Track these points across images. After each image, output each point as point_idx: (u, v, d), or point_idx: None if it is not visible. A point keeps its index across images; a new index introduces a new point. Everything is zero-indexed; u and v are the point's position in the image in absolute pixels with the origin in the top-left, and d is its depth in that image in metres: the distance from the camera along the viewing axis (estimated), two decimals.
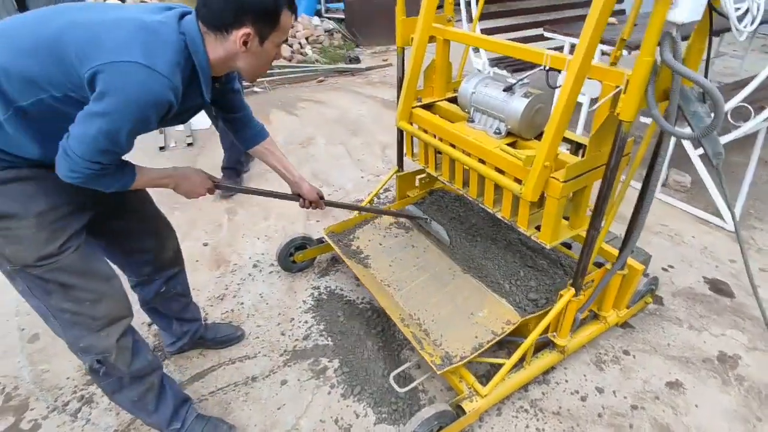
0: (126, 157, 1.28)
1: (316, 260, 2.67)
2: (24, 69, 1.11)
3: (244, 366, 2.08)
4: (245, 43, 1.22)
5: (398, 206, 2.64)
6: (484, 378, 1.94)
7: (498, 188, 1.85)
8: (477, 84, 1.99)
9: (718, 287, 2.46)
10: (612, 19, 3.96)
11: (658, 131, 1.54)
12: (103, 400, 1.94)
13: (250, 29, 1.20)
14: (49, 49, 1.10)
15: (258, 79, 1.35)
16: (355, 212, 2.63)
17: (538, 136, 1.94)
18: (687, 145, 2.97)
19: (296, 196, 1.89)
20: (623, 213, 2.35)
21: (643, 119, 2.85)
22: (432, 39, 2.17)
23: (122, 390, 1.53)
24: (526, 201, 1.69)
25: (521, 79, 1.85)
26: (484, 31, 4.23)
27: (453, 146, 1.99)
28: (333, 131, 4.36)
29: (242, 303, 2.42)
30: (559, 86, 1.62)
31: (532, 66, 1.74)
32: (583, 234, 1.70)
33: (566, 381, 1.98)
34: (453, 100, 2.26)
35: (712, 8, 1.31)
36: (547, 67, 1.69)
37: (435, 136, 2.08)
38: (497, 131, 1.93)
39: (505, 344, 2.08)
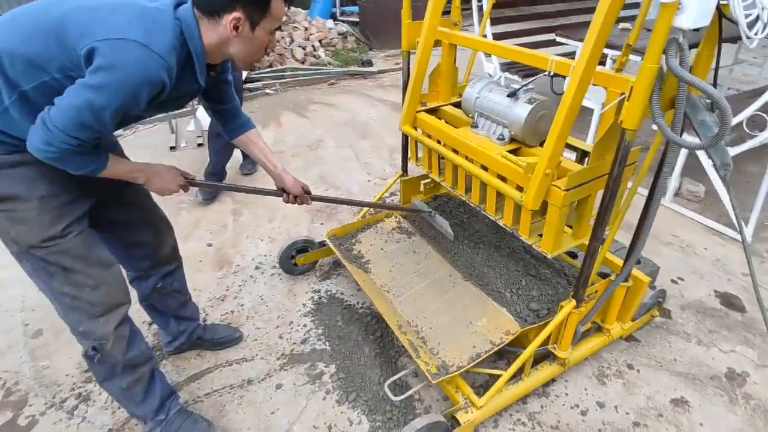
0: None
1: (318, 263, 2.66)
2: (27, 52, 1.15)
3: (241, 368, 2.07)
4: (236, 27, 1.25)
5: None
6: (482, 388, 1.90)
7: (500, 195, 1.82)
8: (481, 89, 1.96)
9: (730, 301, 2.38)
10: (626, 25, 3.89)
11: (666, 140, 1.49)
12: (100, 398, 1.95)
13: (240, 14, 1.23)
14: (52, 32, 1.14)
15: (253, 69, 1.37)
16: (358, 216, 2.61)
17: (542, 143, 1.90)
18: (701, 153, 2.89)
19: (280, 191, 1.84)
20: (632, 222, 2.29)
21: (655, 127, 2.78)
22: (438, 43, 2.15)
23: (113, 378, 1.56)
24: (528, 209, 1.65)
25: (525, 85, 1.82)
26: (496, 35, 4.20)
27: (456, 152, 1.96)
28: (342, 134, 4.36)
29: (242, 305, 2.41)
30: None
31: (543, 71, 1.71)
32: (587, 244, 1.66)
33: (566, 394, 1.93)
34: (458, 105, 2.23)
35: (721, 14, 1.27)
36: (552, 73, 1.65)
37: (439, 142, 2.05)
38: (501, 137, 1.89)
39: (505, 355, 2.04)
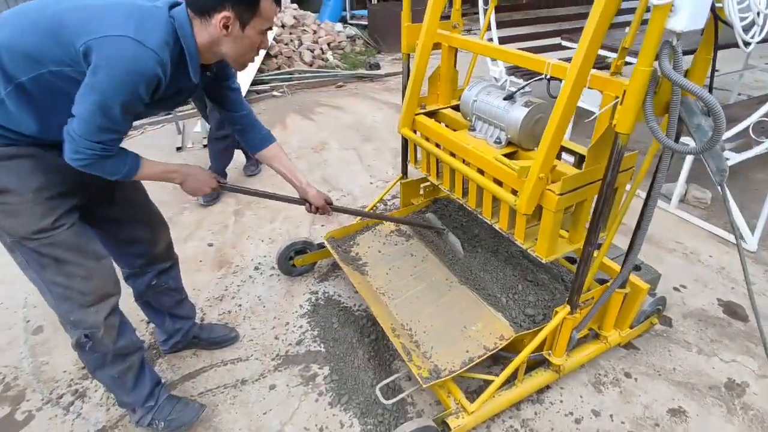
0: (141, 155, 1.36)
1: (317, 265, 2.66)
2: (25, 45, 1.18)
3: (236, 368, 2.07)
4: (226, 26, 1.28)
5: (402, 214, 2.61)
6: (476, 394, 1.88)
7: (496, 199, 1.80)
8: (479, 92, 1.95)
9: (733, 310, 2.34)
10: None
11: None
12: (95, 395, 1.96)
13: (229, 12, 1.25)
14: (49, 28, 1.18)
15: (245, 68, 1.42)
16: (357, 218, 2.60)
17: None
18: None
19: (303, 201, 1.91)
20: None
21: None
22: (439, 46, 2.14)
23: (104, 367, 1.59)
24: (522, 213, 1.63)
25: (521, 88, 1.81)
26: (502, 39, 4.18)
27: (453, 155, 1.95)
28: (347, 136, 4.36)
29: (240, 305, 2.42)
30: None
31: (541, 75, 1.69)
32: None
33: (561, 401, 1.90)
34: (458, 108, 2.22)
35: (716, 17, 1.25)
36: (549, 76, 1.64)
37: (437, 145, 2.05)
38: (497, 140, 1.88)
39: (501, 360, 2.01)
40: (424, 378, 1.68)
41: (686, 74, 1.40)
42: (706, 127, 1.32)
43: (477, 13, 4.12)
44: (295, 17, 6.42)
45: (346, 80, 5.92)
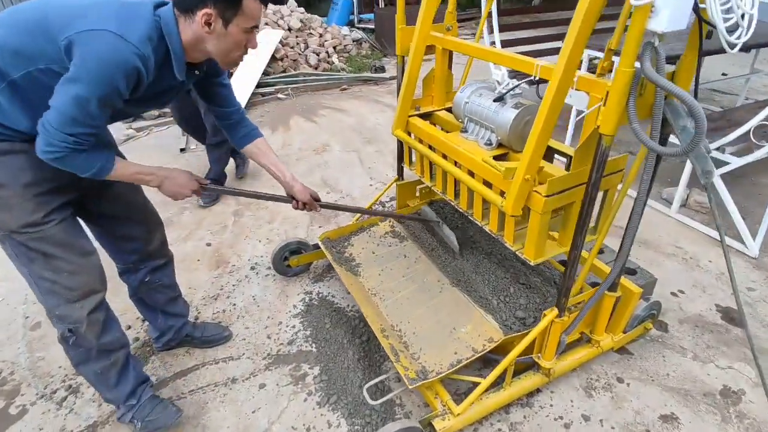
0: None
1: (313, 266, 2.67)
2: (15, 43, 1.22)
3: (227, 367, 2.09)
4: (208, 23, 1.29)
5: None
6: (466, 396, 1.87)
7: (487, 201, 1.80)
8: (471, 93, 1.95)
9: (731, 316, 2.30)
10: None
11: None
12: (88, 391, 1.99)
13: (211, 10, 1.27)
14: (37, 26, 1.21)
15: (233, 68, 1.43)
16: (353, 219, 2.61)
17: None
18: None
19: (289, 198, 1.88)
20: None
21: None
22: (433, 49, 2.15)
23: (88, 362, 1.61)
24: (509, 214, 1.63)
25: (511, 89, 1.80)
26: (504, 42, 4.17)
27: (445, 157, 1.95)
28: (348, 138, 4.38)
29: (234, 304, 2.44)
30: None
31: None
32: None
33: (551, 405, 1.88)
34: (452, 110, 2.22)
35: (700, 18, 1.24)
36: (537, 78, 1.64)
37: (430, 147, 2.05)
38: (488, 142, 1.88)
39: (491, 363, 2.00)
40: (410, 379, 1.68)
41: (672, 76, 1.39)
42: (691, 129, 1.31)
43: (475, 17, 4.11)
44: (301, 21, 6.47)
45: (350, 83, 5.94)
